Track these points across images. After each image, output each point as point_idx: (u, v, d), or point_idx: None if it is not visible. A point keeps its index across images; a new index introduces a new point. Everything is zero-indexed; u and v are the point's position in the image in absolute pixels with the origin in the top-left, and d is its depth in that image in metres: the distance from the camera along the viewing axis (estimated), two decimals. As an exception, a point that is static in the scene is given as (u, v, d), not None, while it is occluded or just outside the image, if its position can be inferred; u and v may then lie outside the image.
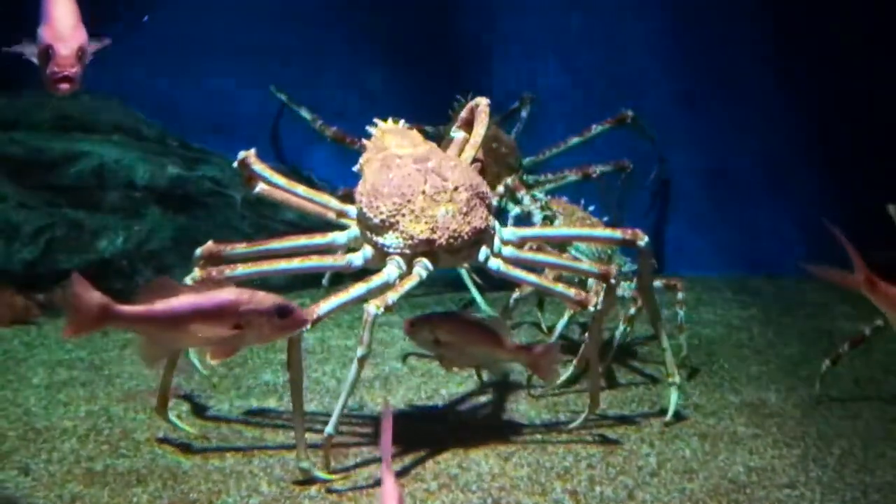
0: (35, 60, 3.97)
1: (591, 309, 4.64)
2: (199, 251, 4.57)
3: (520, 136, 7.41)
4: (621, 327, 5.50)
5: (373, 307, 4.21)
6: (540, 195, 5.66)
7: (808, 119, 7.70)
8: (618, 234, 4.91)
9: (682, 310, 5.63)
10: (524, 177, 7.04)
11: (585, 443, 4.69)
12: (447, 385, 5.45)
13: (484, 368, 4.96)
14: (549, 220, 5.55)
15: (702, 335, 6.43)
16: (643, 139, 7.45)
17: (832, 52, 7.56)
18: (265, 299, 3.66)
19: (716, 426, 4.94)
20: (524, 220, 5.61)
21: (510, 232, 4.83)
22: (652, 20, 7.80)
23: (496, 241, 4.69)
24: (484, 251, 4.64)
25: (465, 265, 4.92)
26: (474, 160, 4.90)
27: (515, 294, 5.43)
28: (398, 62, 7.83)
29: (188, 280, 4.32)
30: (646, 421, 4.98)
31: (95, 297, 3.49)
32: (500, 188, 5.74)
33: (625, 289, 5.47)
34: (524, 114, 7.53)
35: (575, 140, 7.30)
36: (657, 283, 5.58)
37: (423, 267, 4.52)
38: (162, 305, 3.59)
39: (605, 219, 5.79)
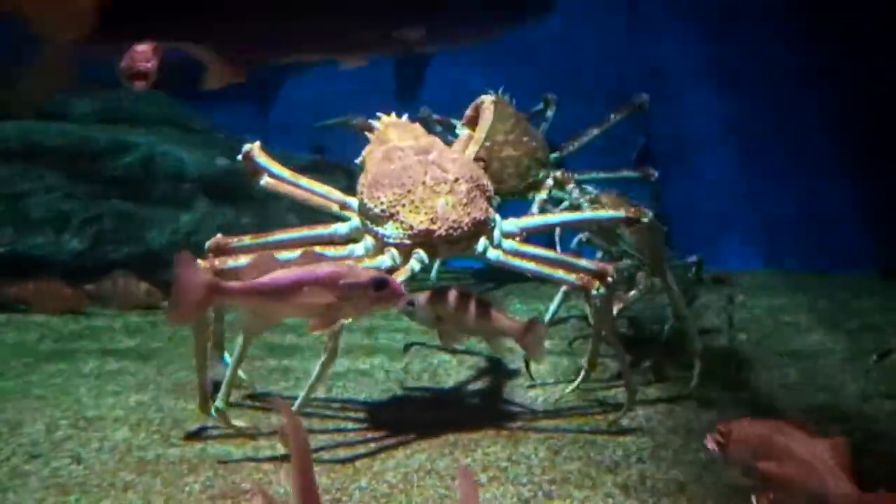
0: None
1: (595, 292, 4.60)
2: (208, 244, 4.66)
3: (546, 134, 7.39)
4: (670, 322, 5.47)
5: None
6: (589, 188, 5.64)
7: (860, 115, 7.60)
8: (621, 212, 4.90)
9: (731, 304, 5.60)
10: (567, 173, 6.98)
11: (635, 437, 4.67)
12: (496, 378, 5.45)
13: (485, 342, 4.96)
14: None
15: (750, 329, 6.37)
16: (643, 125, 7.34)
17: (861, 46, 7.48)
18: (363, 273, 3.75)
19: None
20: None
21: (511, 223, 4.82)
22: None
23: (496, 234, 4.70)
24: (483, 242, 4.65)
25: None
26: (477, 158, 4.92)
27: (564, 287, 5.40)
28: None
29: None
30: (695, 416, 4.95)
31: (203, 276, 3.58)
32: (549, 181, 5.73)
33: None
34: (549, 113, 7.50)
35: (595, 131, 7.25)
36: (705, 276, 5.56)
37: (417, 259, 4.55)
38: (266, 280, 3.68)
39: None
